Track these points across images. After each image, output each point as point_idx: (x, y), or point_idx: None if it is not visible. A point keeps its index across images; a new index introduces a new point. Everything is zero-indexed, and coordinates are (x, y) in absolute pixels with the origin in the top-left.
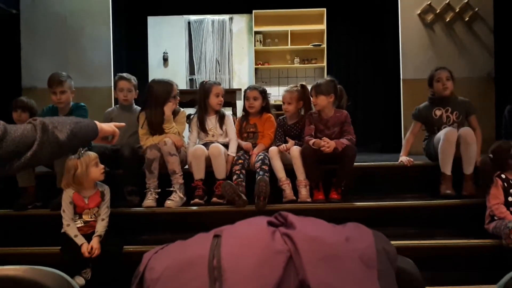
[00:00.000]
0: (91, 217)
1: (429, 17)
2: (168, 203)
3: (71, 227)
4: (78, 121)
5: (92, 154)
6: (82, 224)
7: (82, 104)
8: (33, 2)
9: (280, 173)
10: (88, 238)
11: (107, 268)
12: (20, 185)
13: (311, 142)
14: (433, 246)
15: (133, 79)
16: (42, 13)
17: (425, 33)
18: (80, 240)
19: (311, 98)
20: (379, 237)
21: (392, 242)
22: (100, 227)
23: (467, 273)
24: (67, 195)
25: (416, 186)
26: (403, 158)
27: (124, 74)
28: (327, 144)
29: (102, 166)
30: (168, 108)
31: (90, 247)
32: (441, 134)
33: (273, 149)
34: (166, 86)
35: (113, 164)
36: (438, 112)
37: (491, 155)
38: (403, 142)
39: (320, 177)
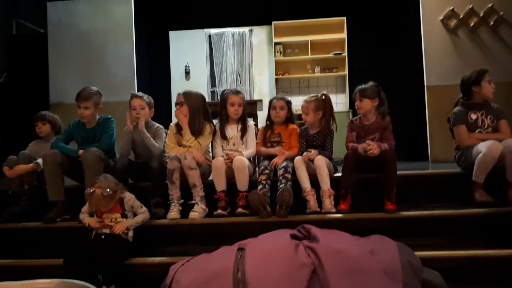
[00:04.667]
0: (111, 221)
1: (453, 22)
2: (192, 214)
3: (85, 215)
4: None
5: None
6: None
7: (110, 116)
8: (59, 22)
9: (306, 183)
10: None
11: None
12: (50, 199)
13: (356, 146)
14: (460, 256)
15: (146, 97)
16: (68, 31)
17: (448, 39)
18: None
19: (356, 102)
20: (403, 250)
21: (418, 253)
22: (132, 221)
23: (498, 286)
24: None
25: (444, 195)
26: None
27: (138, 93)
28: (374, 147)
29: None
30: (179, 119)
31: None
32: (482, 147)
33: (299, 159)
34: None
35: (138, 177)
36: (473, 116)
37: None
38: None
39: (352, 187)
